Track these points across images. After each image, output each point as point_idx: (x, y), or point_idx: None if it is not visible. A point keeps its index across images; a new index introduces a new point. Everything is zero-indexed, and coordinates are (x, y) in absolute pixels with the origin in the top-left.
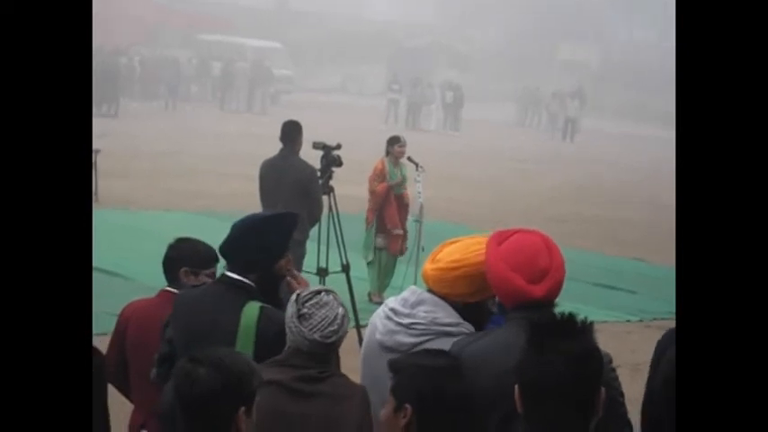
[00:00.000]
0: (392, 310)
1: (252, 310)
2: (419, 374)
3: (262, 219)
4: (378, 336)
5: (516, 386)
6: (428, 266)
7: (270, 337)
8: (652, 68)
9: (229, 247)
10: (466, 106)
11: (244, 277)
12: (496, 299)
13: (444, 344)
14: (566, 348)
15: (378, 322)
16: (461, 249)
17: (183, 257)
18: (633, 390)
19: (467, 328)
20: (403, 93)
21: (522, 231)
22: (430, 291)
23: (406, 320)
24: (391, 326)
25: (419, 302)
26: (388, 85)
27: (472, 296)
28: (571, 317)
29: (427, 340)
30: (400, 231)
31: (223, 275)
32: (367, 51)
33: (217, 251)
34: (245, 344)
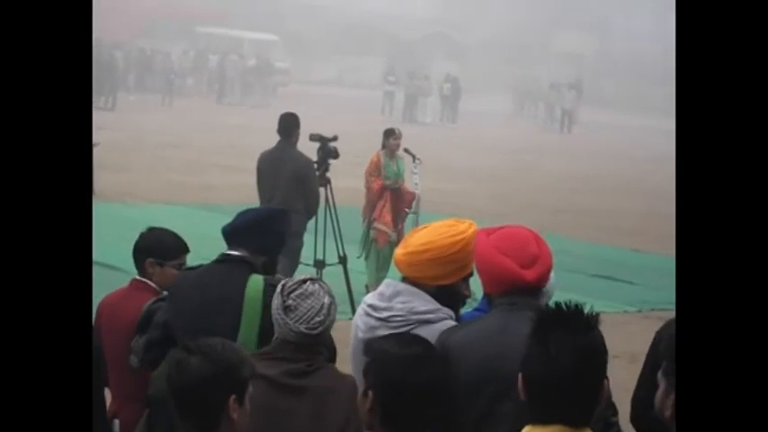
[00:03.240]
0: (370, 306)
1: (256, 282)
2: (383, 362)
3: (278, 210)
4: (360, 334)
5: (520, 375)
6: (399, 252)
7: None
8: (650, 58)
9: (242, 230)
10: (463, 98)
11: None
12: (469, 283)
13: (424, 332)
14: (572, 342)
15: (359, 321)
16: (430, 233)
17: (149, 248)
18: (630, 380)
19: (445, 313)
20: (399, 85)
21: (508, 226)
22: (404, 279)
23: (384, 314)
24: (372, 322)
25: (395, 294)
26: (384, 76)
27: (444, 278)
28: (577, 308)
29: (407, 331)
30: (383, 228)
31: (222, 254)
32: (363, 43)
33: (221, 232)
34: (250, 315)
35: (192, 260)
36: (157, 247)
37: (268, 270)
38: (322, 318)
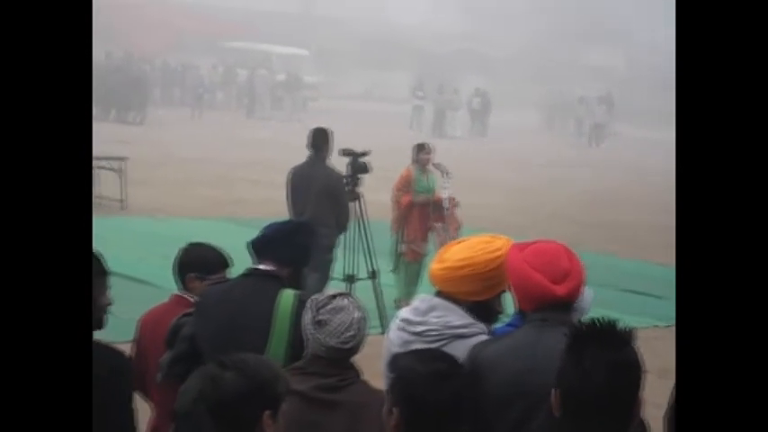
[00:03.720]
0: (404, 320)
1: (288, 296)
2: (407, 379)
3: (302, 223)
4: (394, 349)
5: (555, 390)
6: (435, 267)
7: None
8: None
9: (267, 243)
10: (492, 112)
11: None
12: (502, 299)
13: (459, 347)
14: (607, 357)
15: (393, 335)
16: (467, 248)
17: (191, 263)
18: (660, 395)
19: (480, 328)
20: (428, 99)
21: (540, 241)
22: (438, 294)
23: (419, 328)
24: (406, 336)
25: (430, 309)
26: (413, 91)
27: (479, 294)
28: (611, 324)
29: (442, 345)
30: (418, 249)
31: (251, 269)
32: (392, 58)
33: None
34: (280, 331)
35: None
36: (200, 262)
37: (293, 282)
38: (353, 332)
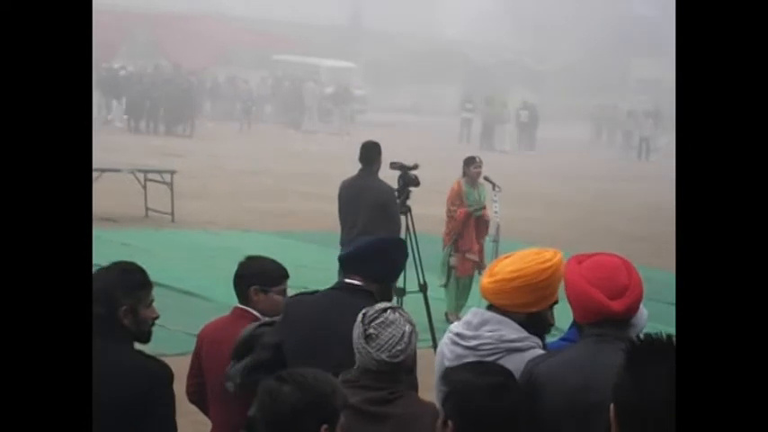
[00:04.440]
0: (457, 334)
1: None
2: (463, 392)
3: (393, 239)
4: (447, 363)
5: (612, 406)
6: (486, 280)
7: None
8: None
9: (357, 258)
10: (540, 125)
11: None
12: (553, 311)
13: (514, 360)
14: (666, 373)
15: (445, 350)
16: (518, 260)
17: (253, 275)
18: None
19: (534, 341)
20: (477, 112)
21: (599, 254)
22: (490, 308)
23: (472, 342)
24: (459, 350)
25: (483, 323)
26: (461, 104)
27: (531, 306)
28: (669, 339)
29: (496, 359)
30: (474, 257)
31: (342, 282)
32: (440, 70)
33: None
34: None
35: None
36: (261, 275)
37: (383, 297)
38: (403, 346)
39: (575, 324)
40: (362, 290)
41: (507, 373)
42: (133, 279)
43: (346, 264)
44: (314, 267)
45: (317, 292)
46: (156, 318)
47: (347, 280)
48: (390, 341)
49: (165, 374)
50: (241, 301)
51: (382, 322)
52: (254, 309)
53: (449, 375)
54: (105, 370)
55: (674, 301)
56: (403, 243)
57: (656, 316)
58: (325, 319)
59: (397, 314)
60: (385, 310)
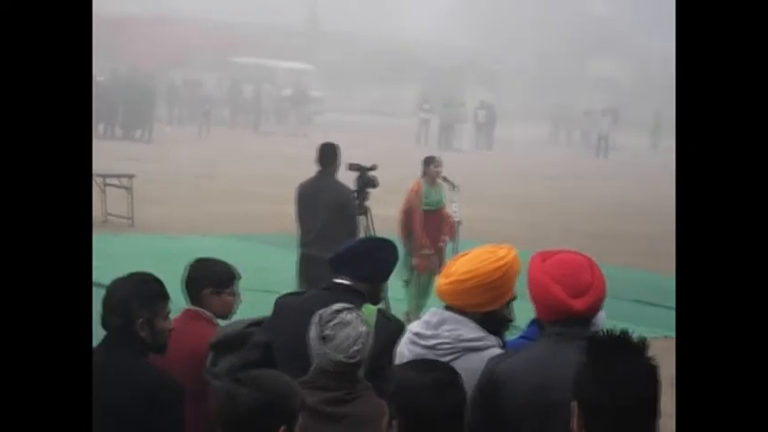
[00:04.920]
0: (416, 334)
1: (370, 311)
2: (405, 390)
3: (381, 240)
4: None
5: (575, 404)
6: (442, 282)
7: (384, 338)
8: None
9: (346, 258)
10: (498, 125)
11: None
12: (512, 308)
13: (471, 359)
14: (626, 369)
15: (404, 349)
16: (471, 260)
17: (205, 278)
18: (670, 405)
19: (492, 341)
20: (434, 112)
21: (565, 251)
22: (448, 307)
23: (431, 342)
24: (418, 350)
25: (441, 322)
26: (419, 104)
27: (488, 305)
28: (626, 335)
29: (454, 358)
30: (428, 251)
31: (333, 283)
32: (397, 71)
33: (329, 262)
34: None
35: None
36: (213, 277)
37: (373, 297)
38: (359, 346)
39: (534, 322)
40: (352, 289)
41: (452, 370)
42: (150, 290)
43: (336, 264)
44: (273, 270)
45: (305, 292)
46: (172, 329)
47: (337, 280)
48: (346, 342)
49: (178, 391)
50: (193, 303)
51: (338, 323)
52: (209, 310)
53: (394, 373)
54: (119, 381)
55: (633, 299)
56: (392, 243)
57: (617, 314)
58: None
59: (352, 315)
60: (340, 311)
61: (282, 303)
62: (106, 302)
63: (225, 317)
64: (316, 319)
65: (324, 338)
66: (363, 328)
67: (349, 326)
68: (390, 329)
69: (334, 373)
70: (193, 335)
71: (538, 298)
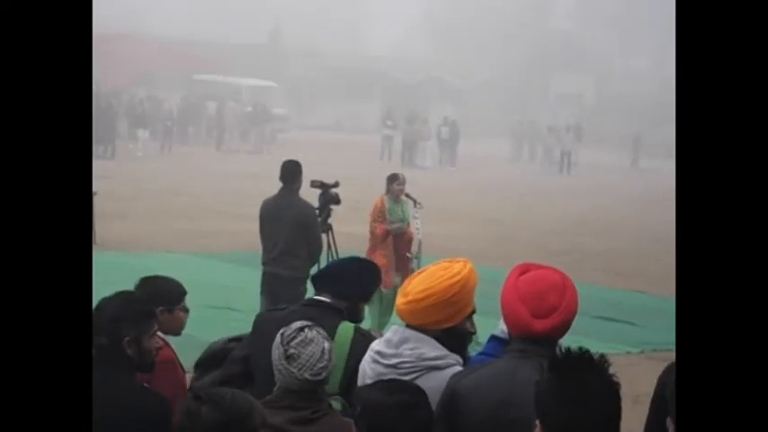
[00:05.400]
0: (378, 353)
1: (347, 329)
2: (373, 411)
3: (364, 261)
4: (368, 381)
5: (538, 422)
6: (400, 301)
7: (361, 354)
8: (648, 98)
9: (328, 277)
10: (462, 141)
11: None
12: (473, 320)
13: (434, 378)
14: (591, 387)
15: (366, 368)
16: (427, 279)
17: (157, 296)
18: (634, 420)
19: (454, 359)
20: (398, 129)
21: (545, 268)
22: (409, 326)
23: (393, 360)
24: (379, 369)
25: (403, 341)
26: (382, 121)
27: (446, 322)
28: (589, 353)
29: (416, 377)
30: (392, 274)
31: (312, 299)
32: (361, 88)
33: (309, 279)
34: (338, 360)
35: (193, 308)
36: (165, 295)
37: (352, 315)
38: (324, 363)
39: (493, 337)
40: (332, 307)
41: (418, 390)
42: (137, 310)
43: (318, 282)
44: (236, 287)
45: (286, 308)
46: (160, 348)
47: (317, 297)
48: (311, 359)
49: (165, 409)
50: None
51: (302, 341)
52: (159, 329)
53: (360, 394)
54: (106, 401)
55: (595, 315)
56: (374, 265)
57: (578, 329)
58: None
59: (314, 332)
60: (302, 329)
61: (261, 319)
62: (94, 322)
63: (177, 334)
64: (278, 339)
65: (288, 357)
66: (327, 345)
67: (312, 343)
68: (367, 346)
69: (300, 392)
70: None
71: (504, 312)
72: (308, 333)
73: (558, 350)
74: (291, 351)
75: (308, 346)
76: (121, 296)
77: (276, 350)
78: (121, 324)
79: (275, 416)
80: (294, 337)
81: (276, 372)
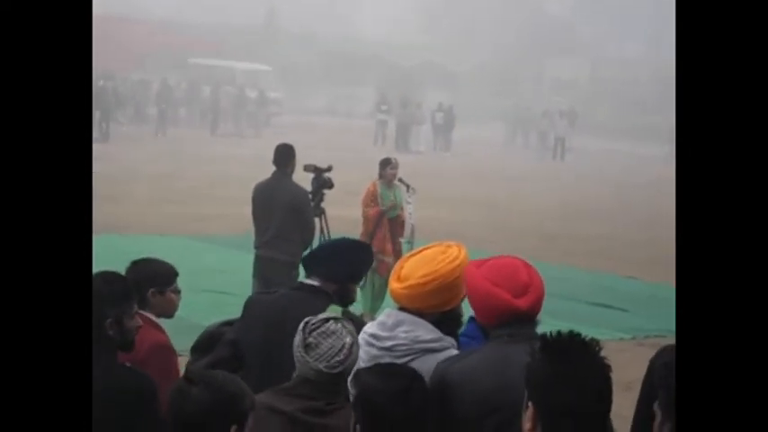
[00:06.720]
0: (372, 335)
1: (335, 312)
2: (369, 396)
3: (354, 242)
4: (362, 364)
5: (531, 405)
6: (396, 285)
7: None
8: (643, 84)
9: (317, 259)
10: (456, 126)
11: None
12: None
13: (428, 361)
14: (585, 369)
15: (360, 351)
16: (428, 262)
17: (149, 278)
18: (626, 406)
19: (449, 342)
20: (392, 113)
21: (498, 256)
22: (403, 309)
23: (387, 343)
24: (374, 352)
25: (398, 323)
26: (376, 105)
27: (446, 305)
28: (580, 335)
29: (411, 360)
30: (388, 259)
31: (302, 283)
32: (356, 72)
33: (300, 262)
34: None
35: (187, 291)
36: (156, 277)
37: (342, 298)
38: (342, 357)
39: (472, 319)
40: (320, 290)
41: (415, 375)
42: (118, 290)
43: (306, 264)
44: (230, 271)
45: (276, 291)
46: (140, 327)
47: (306, 280)
48: (329, 352)
49: (151, 388)
50: (138, 305)
51: (323, 332)
52: (152, 311)
53: (357, 378)
54: (93, 381)
55: (589, 301)
56: (365, 245)
57: (571, 315)
58: (281, 319)
59: (339, 325)
60: (327, 320)
61: (252, 302)
62: None
63: (170, 316)
64: (301, 326)
65: (307, 346)
66: (348, 340)
67: (333, 335)
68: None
69: (316, 383)
70: (141, 342)
71: (480, 303)
72: (332, 325)
73: (549, 333)
74: (310, 340)
75: (329, 338)
76: (100, 277)
77: (297, 337)
78: (102, 305)
79: (288, 403)
80: (317, 328)
81: (295, 359)
